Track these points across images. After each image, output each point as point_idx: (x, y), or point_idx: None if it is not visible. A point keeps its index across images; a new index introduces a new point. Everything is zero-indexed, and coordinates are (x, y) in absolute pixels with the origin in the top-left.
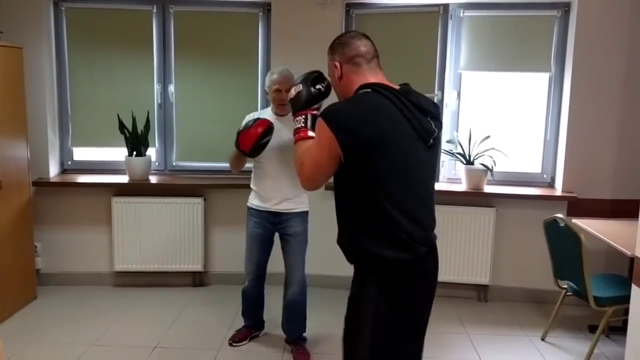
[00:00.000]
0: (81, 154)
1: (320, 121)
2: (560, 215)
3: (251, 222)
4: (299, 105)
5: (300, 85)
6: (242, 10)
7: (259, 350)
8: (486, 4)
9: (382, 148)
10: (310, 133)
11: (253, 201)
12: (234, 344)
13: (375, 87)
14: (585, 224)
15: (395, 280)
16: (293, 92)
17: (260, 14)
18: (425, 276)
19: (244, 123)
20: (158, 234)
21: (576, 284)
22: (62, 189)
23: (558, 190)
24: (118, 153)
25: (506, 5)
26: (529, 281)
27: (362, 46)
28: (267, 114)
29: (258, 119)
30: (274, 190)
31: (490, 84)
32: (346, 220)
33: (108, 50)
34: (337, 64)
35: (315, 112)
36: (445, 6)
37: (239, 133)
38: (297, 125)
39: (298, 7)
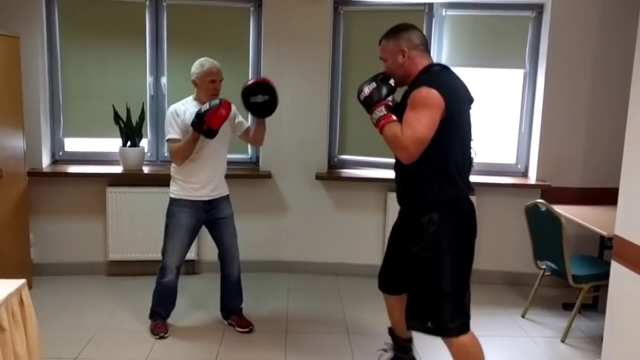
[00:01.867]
0: (72, 144)
1: (428, 90)
2: (541, 201)
3: (182, 214)
4: (375, 100)
5: (374, 83)
6: (234, 4)
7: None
8: (466, 3)
9: (465, 110)
10: (394, 117)
11: (184, 192)
12: (165, 336)
13: (444, 66)
14: (559, 210)
15: (464, 213)
16: (367, 90)
17: (252, 8)
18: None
19: (183, 112)
20: (152, 223)
21: (556, 264)
22: (56, 180)
23: (532, 179)
24: (109, 144)
25: (485, 5)
26: (506, 264)
27: (421, 36)
28: (190, 103)
29: (221, 100)
30: (211, 177)
31: (470, 79)
32: (424, 172)
33: (101, 41)
34: (405, 49)
35: (390, 103)
36: (430, 5)
37: (202, 115)
38: (380, 114)
39: (288, 3)
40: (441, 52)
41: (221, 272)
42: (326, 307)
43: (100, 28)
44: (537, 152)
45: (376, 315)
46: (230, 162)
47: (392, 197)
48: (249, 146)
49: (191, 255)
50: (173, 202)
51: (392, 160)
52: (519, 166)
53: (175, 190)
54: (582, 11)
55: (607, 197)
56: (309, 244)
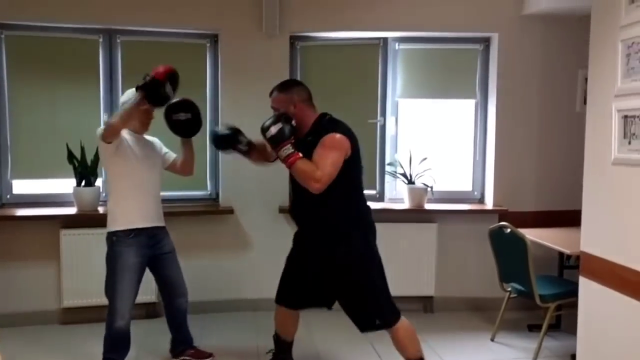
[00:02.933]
0: (21, 187)
1: (341, 136)
2: (504, 223)
3: (129, 252)
4: (283, 138)
5: (280, 124)
6: (189, 40)
7: None
8: (418, 38)
9: (358, 149)
10: (300, 154)
11: (123, 220)
12: None
13: (331, 116)
14: None
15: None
16: (274, 129)
17: (208, 44)
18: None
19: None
20: None
21: (522, 285)
22: (4, 225)
23: (489, 205)
24: (62, 185)
25: (436, 40)
26: (469, 290)
27: (307, 91)
28: (125, 133)
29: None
30: (147, 201)
31: (424, 110)
32: (332, 206)
33: (52, 78)
34: (296, 101)
35: (292, 142)
36: (385, 39)
37: (145, 85)
38: (288, 152)
39: (245, 39)
40: (395, 85)
41: (169, 308)
42: (298, 344)
43: (51, 65)
44: (492, 178)
45: (349, 346)
46: (188, 200)
47: None
48: (208, 182)
49: (151, 297)
50: (114, 239)
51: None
52: (475, 193)
53: (117, 222)
54: (526, 42)
55: (561, 219)
56: (275, 280)
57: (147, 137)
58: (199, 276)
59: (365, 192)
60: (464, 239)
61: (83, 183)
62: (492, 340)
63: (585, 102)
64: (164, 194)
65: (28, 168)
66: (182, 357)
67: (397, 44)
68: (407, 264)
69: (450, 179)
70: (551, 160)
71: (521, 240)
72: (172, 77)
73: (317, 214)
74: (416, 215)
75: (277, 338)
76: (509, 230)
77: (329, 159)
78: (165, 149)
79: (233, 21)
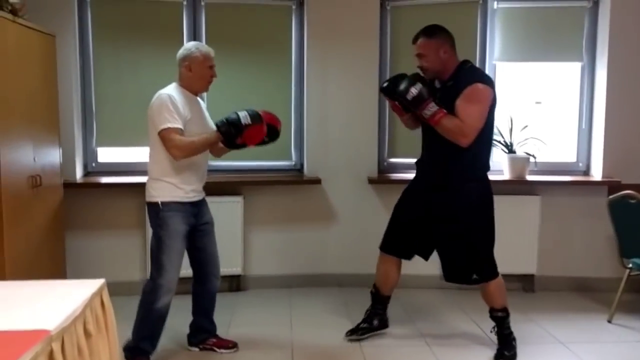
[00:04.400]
0: (105, 155)
1: (485, 87)
2: (629, 192)
3: (175, 220)
4: (425, 97)
5: (419, 84)
6: (275, 2)
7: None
8: None
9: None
10: (444, 111)
11: (175, 195)
12: None
13: (472, 63)
14: None
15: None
16: (414, 90)
17: (294, 6)
18: None
19: (178, 101)
20: None
21: None
22: (90, 192)
23: (596, 177)
24: (146, 153)
25: None
26: (573, 269)
27: (452, 36)
28: (178, 92)
29: (255, 112)
30: (202, 177)
31: (524, 73)
32: (467, 155)
33: (135, 44)
34: (447, 46)
35: (433, 99)
36: None
37: (242, 127)
38: (433, 110)
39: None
40: (493, 48)
41: (199, 288)
42: (394, 322)
43: (134, 29)
44: (601, 148)
45: (452, 323)
46: (271, 170)
47: None
48: (292, 152)
49: (237, 269)
50: (161, 207)
51: None
52: (580, 164)
53: (164, 193)
54: None
55: None
56: (362, 255)
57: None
58: (283, 249)
59: None
60: (570, 213)
61: None
62: (609, 321)
63: None
64: (244, 163)
65: (113, 136)
66: (203, 346)
67: (495, 3)
68: (506, 239)
69: (552, 149)
70: None
71: None
72: (271, 132)
73: (448, 162)
74: (517, 187)
75: (375, 293)
76: (634, 200)
77: (475, 112)
78: (209, 117)
79: None
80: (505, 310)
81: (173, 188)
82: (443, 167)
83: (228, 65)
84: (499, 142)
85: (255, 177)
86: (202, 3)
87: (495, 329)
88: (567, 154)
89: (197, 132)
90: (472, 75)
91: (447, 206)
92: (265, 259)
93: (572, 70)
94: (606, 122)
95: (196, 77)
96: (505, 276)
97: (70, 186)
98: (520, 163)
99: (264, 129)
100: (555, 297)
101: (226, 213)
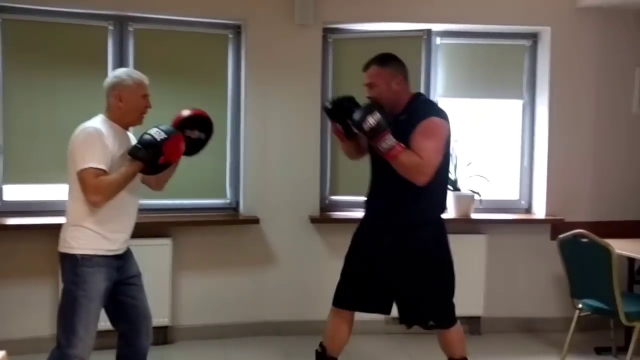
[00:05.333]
0: (12, 193)
1: (442, 122)
2: (581, 231)
3: (99, 275)
4: (383, 128)
5: (377, 114)
6: (210, 31)
7: None
8: (460, 32)
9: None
10: (402, 146)
11: (97, 245)
12: None
13: (425, 96)
14: None
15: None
16: (372, 120)
17: (230, 35)
18: None
19: (107, 135)
20: None
21: (601, 301)
22: None
23: (538, 215)
24: (60, 191)
25: (480, 34)
26: (519, 309)
27: (405, 66)
28: (107, 126)
29: (165, 125)
30: (132, 222)
31: (466, 110)
32: (420, 194)
33: (52, 71)
34: (399, 76)
35: (389, 132)
36: (429, 32)
37: (159, 144)
38: (390, 144)
39: (273, 30)
40: (436, 83)
41: (126, 350)
42: None
43: (52, 53)
44: (544, 186)
45: None
46: (204, 208)
47: None
48: (227, 189)
49: (164, 320)
50: (81, 261)
51: None
52: (522, 202)
53: (85, 244)
54: (581, 37)
55: (622, 229)
56: (304, 299)
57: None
58: (216, 296)
59: None
60: (514, 252)
61: None
62: None
63: None
64: (173, 202)
65: (22, 171)
66: None
67: (438, 39)
68: None
69: (494, 186)
70: (609, 165)
71: (604, 250)
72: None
73: (403, 201)
74: (463, 225)
75: (322, 353)
76: (586, 239)
77: (432, 147)
78: None
79: (259, 9)
80: None
81: (97, 238)
82: (397, 207)
83: (159, 95)
84: None
85: (185, 217)
86: (130, 29)
87: None
88: (510, 192)
89: (116, 166)
90: (428, 109)
91: (402, 248)
92: (196, 307)
93: (513, 107)
94: (549, 159)
95: (128, 108)
96: None
97: None
98: (465, 201)
99: (182, 138)
100: (503, 339)
101: (152, 257)
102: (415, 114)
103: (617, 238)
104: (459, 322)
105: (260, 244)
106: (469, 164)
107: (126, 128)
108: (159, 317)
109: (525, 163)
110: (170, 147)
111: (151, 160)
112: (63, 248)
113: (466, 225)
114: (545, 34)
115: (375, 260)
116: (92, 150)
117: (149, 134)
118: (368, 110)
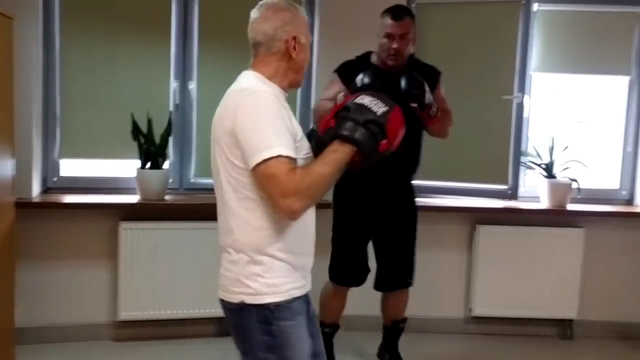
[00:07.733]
0: (69, 168)
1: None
2: None
3: (301, 330)
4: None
5: (426, 85)
6: None
7: None
8: None
9: None
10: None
11: (295, 282)
12: None
13: None
14: None
15: None
16: (429, 96)
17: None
18: None
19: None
20: (176, 269)
21: None
22: (49, 213)
23: (638, 207)
24: (120, 167)
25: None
26: (618, 314)
27: None
28: (269, 87)
29: (385, 97)
30: (313, 243)
31: (563, 87)
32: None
33: (112, 37)
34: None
35: None
36: None
37: (381, 121)
38: (434, 109)
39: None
40: (530, 55)
41: None
42: None
43: (113, 20)
44: None
45: None
46: None
47: (481, 231)
48: None
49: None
50: (275, 312)
51: (477, 186)
52: (623, 192)
53: (278, 283)
54: None
55: None
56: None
57: None
58: None
59: (494, 187)
60: (614, 248)
61: (149, 165)
62: None
63: None
64: None
65: (81, 145)
66: None
67: (536, 5)
68: (543, 277)
69: (593, 174)
70: None
71: None
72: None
73: (410, 159)
74: (557, 217)
75: (332, 328)
76: None
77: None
78: None
79: None
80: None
81: (289, 271)
82: (402, 160)
83: (222, 63)
84: (536, 164)
85: None
86: None
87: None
88: (609, 180)
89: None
90: (431, 66)
91: (401, 203)
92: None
93: (618, 84)
94: None
95: (301, 59)
96: (538, 321)
97: (24, 206)
98: (561, 190)
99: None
100: (598, 345)
101: (213, 241)
102: (426, 68)
103: None
104: None
105: None
106: (566, 147)
107: (287, 91)
108: (218, 307)
109: (629, 148)
110: (392, 125)
111: (373, 145)
112: (238, 295)
113: (561, 217)
114: None
115: (373, 222)
116: (277, 128)
117: (358, 103)
118: (409, 82)
